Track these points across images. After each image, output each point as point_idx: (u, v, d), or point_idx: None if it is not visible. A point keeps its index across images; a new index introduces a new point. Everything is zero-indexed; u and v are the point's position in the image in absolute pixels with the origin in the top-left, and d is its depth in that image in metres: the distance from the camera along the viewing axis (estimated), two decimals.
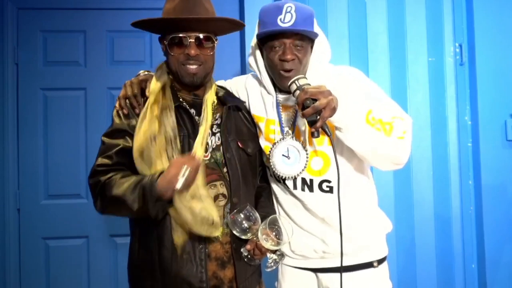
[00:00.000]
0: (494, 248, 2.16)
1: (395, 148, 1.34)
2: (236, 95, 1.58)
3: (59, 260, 2.27)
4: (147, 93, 1.35)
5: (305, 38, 1.39)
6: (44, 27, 2.31)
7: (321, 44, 1.46)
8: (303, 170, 1.41)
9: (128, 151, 1.30)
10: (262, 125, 1.50)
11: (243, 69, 2.27)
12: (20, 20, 2.29)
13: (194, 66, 1.33)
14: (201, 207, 1.24)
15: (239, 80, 1.64)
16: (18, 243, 2.26)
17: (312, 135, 1.23)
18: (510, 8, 2.21)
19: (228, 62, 2.27)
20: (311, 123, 1.21)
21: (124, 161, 1.31)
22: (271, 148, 1.44)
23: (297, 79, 1.27)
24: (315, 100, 1.19)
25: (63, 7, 2.31)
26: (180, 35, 1.31)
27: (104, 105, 2.31)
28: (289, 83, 1.30)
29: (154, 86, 1.35)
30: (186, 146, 1.32)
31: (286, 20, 1.34)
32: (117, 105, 1.37)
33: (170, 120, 1.30)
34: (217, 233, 1.29)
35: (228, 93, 1.52)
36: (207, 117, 1.35)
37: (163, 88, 1.35)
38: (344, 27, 2.23)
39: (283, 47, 1.37)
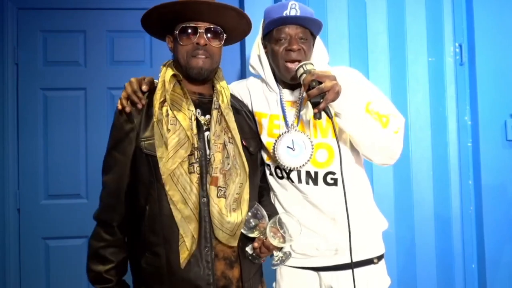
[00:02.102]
0: (494, 248, 2.17)
1: (390, 140, 1.39)
2: (238, 97, 1.60)
3: (59, 260, 2.27)
4: (144, 88, 1.37)
5: (309, 34, 1.45)
6: (44, 27, 2.31)
7: (320, 46, 1.52)
8: (308, 160, 1.43)
9: (127, 183, 1.34)
10: (265, 121, 1.51)
11: (243, 70, 2.27)
12: (20, 20, 2.30)
13: (202, 56, 1.35)
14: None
15: (240, 83, 1.66)
16: (18, 243, 2.26)
17: (314, 116, 1.27)
18: (510, 8, 2.21)
19: (228, 63, 2.26)
20: (315, 105, 1.25)
21: (120, 181, 1.34)
22: (275, 141, 1.46)
23: (305, 64, 1.33)
24: (321, 83, 1.24)
25: (63, 7, 2.31)
26: (191, 24, 1.34)
27: (104, 105, 2.31)
28: (296, 67, 1.35)
29: (165, 76, 1.36)
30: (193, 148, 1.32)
31: (291, 14, 1.42)
32: (119, 105, 1.36)
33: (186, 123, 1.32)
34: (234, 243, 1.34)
35: (232, 96, 1.52)
36: (222, 98, 1.39)
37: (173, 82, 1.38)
38: (344, 27, 2.23)
39: (289, 39, 1.42)
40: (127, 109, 1.33)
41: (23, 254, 2.26)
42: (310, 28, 1.44)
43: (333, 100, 1.26)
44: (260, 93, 1.55)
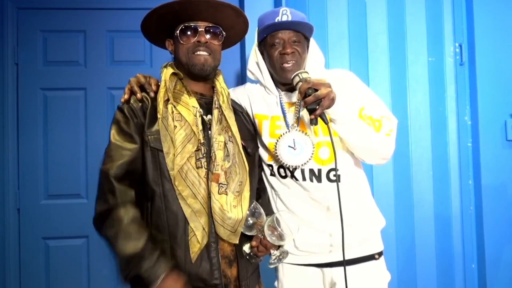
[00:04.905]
0: (494, 248, 2.17)
1: (382, 143, 1.45)
2: (237, 101, 1.61)
3: (59, 260, 2.27)
4: (153, 88, 1.38)
5: (301, 36, 1.49)
6: (44, 27, 2.31)
7: (315, 48, 1.56)
8: (310, 158, 1.46)
9: (137, 157, 1.30)
10: (266, 122, 1.53)
11: (243, 72, 2.27)
12: (20, 20, 2.30)
13: (204, 53, 1.37)
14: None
15: (237, 89, 1.69)
16: (18, 243, 2.26)
17: (310, 122, 1.31)
18: (510, 8, 2.21)
19: (228, 65, 2.25)
20: (311, 111, 1.29)
21: (134, 168, 1.30)
22: (277, 141, 1.48)
23: (300, 73, 1.38)
24: (316, 90, 1.28)
25: (63, 7, 2.32)
26: (191, 24, 1.37)
27: (104, 105, 2.32)
28: (292, 76, 1.39)
29: (166, 73, 1.37)
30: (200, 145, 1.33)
31: (283, 20, 1.46)
32: (126, 95, 1.35)
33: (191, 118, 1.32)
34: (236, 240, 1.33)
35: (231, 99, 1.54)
36: (223, 98, 1.40)
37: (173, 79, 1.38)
38: (344, 27, 2.23)
39: (282, 43, 1.47)
40: (139, 95, 1.34)
41: (23, 254, 2.26)
42: (302, 31, 1.49)
43: (328, 107, 1.30)
44: (259, 96, 1.58)
